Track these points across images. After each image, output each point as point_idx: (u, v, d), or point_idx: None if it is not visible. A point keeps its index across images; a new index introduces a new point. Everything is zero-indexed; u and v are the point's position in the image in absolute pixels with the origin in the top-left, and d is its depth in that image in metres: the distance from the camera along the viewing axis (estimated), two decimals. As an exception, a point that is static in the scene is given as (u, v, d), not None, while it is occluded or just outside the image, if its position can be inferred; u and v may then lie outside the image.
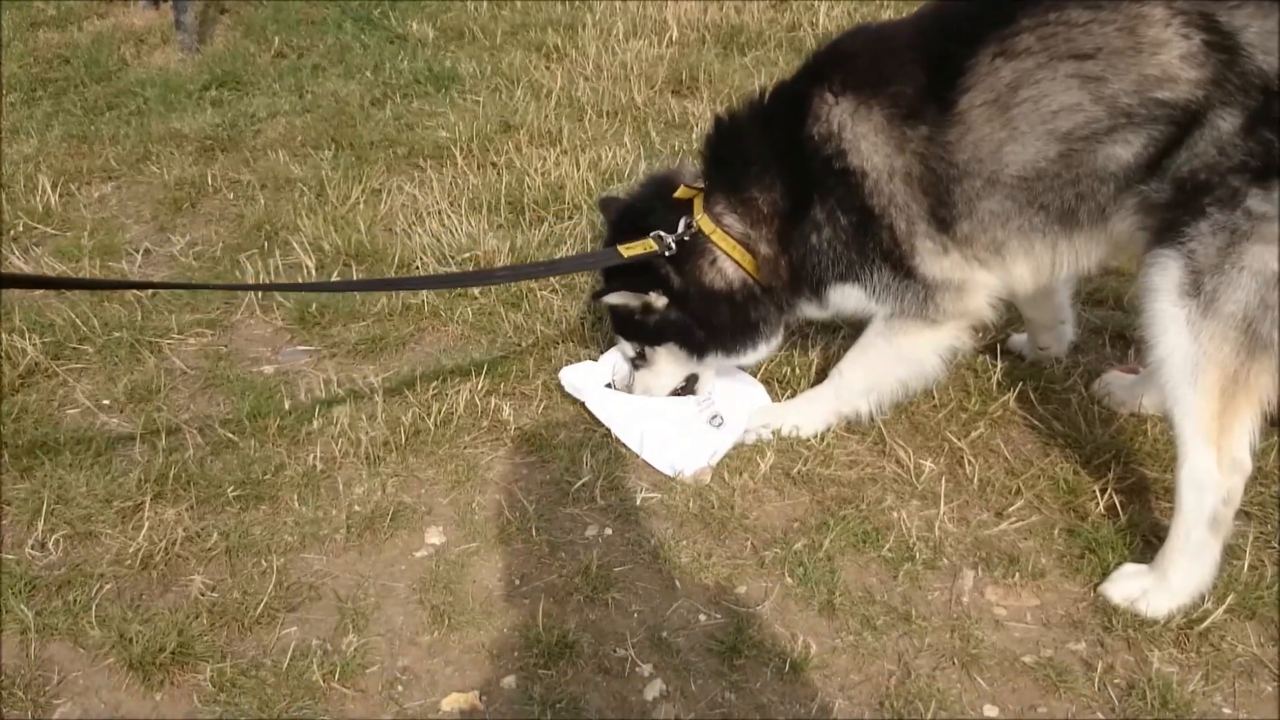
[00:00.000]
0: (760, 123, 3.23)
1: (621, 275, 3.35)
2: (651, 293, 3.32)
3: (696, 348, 3.39)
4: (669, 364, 3.47)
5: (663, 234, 3.26)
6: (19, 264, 4.36)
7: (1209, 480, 2.68)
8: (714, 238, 3.25)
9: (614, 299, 3.37)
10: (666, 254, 3.25)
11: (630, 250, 3.26)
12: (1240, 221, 2.56)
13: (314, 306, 4.02)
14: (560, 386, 3.55)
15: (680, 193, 3.33)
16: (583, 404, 3.48)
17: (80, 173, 5.16)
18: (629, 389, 3.53)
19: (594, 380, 3.53)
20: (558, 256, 4.25)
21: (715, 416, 3.39)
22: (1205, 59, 2.59)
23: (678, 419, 3.40)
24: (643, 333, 3.44)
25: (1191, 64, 2.60)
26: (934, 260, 3.04)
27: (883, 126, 2.96)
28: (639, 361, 3.50)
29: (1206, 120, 2.61)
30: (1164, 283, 2.66)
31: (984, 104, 2.82)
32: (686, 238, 3.25)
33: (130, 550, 2.98)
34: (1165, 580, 2.74)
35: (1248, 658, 2.65)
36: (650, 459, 3.29)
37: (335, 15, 7.02)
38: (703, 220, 3.25)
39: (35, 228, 4.69)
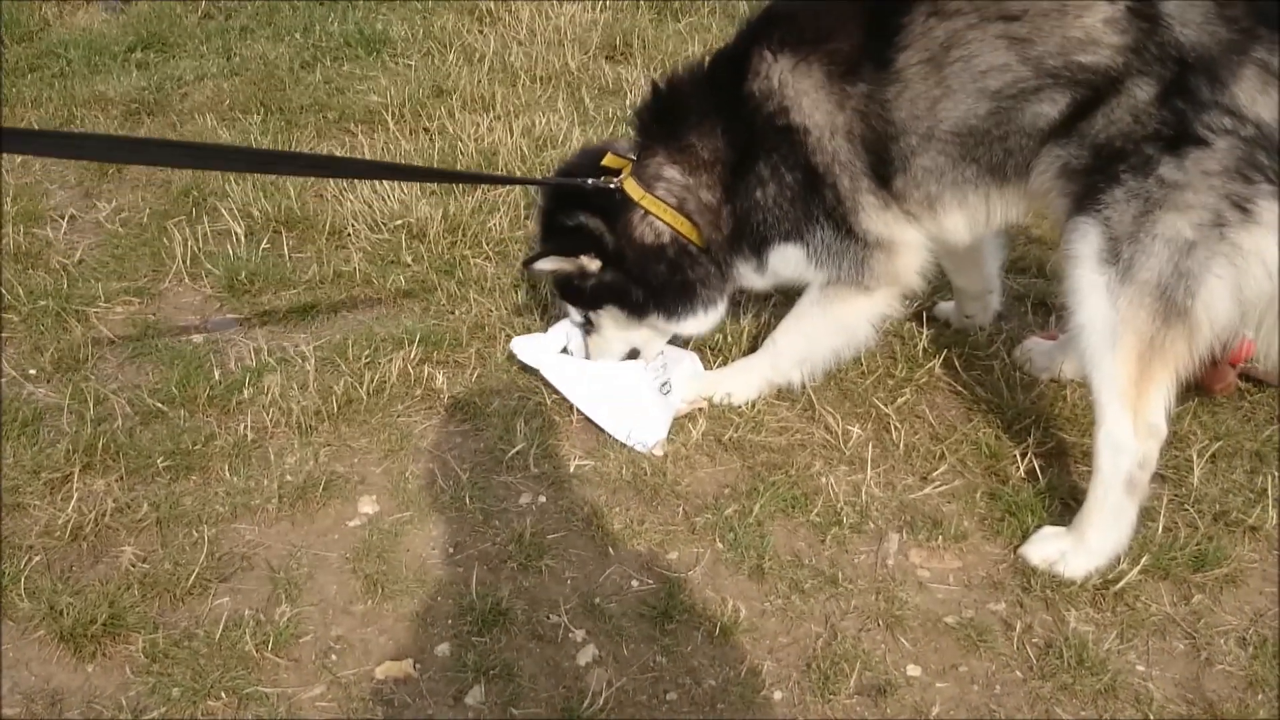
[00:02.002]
0: (700, 82, 3.25)
1: (553, 239, 3.37)
2: (583, 256, 3.33)
3: (635, 308, 3.39)
4: (613, 329, 3.47)
5: (588, 180, 3.30)
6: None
7: (1126, 444, 2.75)
8: (643, 202, 3.25)
9: (544, 265, 3.37)
10: (588, 185, 3.29)
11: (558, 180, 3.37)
12: (1154, 189, 2.63)
13: (243, 274, 3.99)
14: (510, 355, 3.54)
15: (607, 160, 3.34)
16: (538, 373, 3.46)
17: (1, 136, 5.05)
18: (586, 355, 3.52)
19: (548, 348, 3.51)
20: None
21: (665, 384, 3.41)
22: (1128, 25, 2.65)
23: (633, 386, 3.38)
24: (581, 297, 3.44)
25: (1114, 29, 2.66)
26: (876, 216, 3.08)
27: (822, 83, 2.99)
28: (588, 328, 3.51)
29: (1124, 88, 2.67)
30: (1084, 250, 2.73)
31: (919, 62, 2.87)
32: (611, 185, 3.27)
33: (59, 522, 2.96)
34: (1083, 542, 2.82)
35: (1161, 617, 2.74)
36: (609, 428, 3.30)
37: (263, -25, 6.92)
38: (629, 184, 3.26)
39: (-45, 193, 4.60)
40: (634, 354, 3.51)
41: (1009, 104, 2.81)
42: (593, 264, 3.34)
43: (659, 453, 3.25)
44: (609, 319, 3.46)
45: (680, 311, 3.39)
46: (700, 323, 3.44)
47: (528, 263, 3.41)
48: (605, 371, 3.44)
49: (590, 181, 3.30)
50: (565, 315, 3.58)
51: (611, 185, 3.28)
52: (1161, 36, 2.62)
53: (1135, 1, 2.65)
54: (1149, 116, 2.64)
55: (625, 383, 3.39)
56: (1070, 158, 2.78)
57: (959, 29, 2.81)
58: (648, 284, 3.35)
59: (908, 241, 3.13)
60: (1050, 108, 2.78)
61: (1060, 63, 2.73)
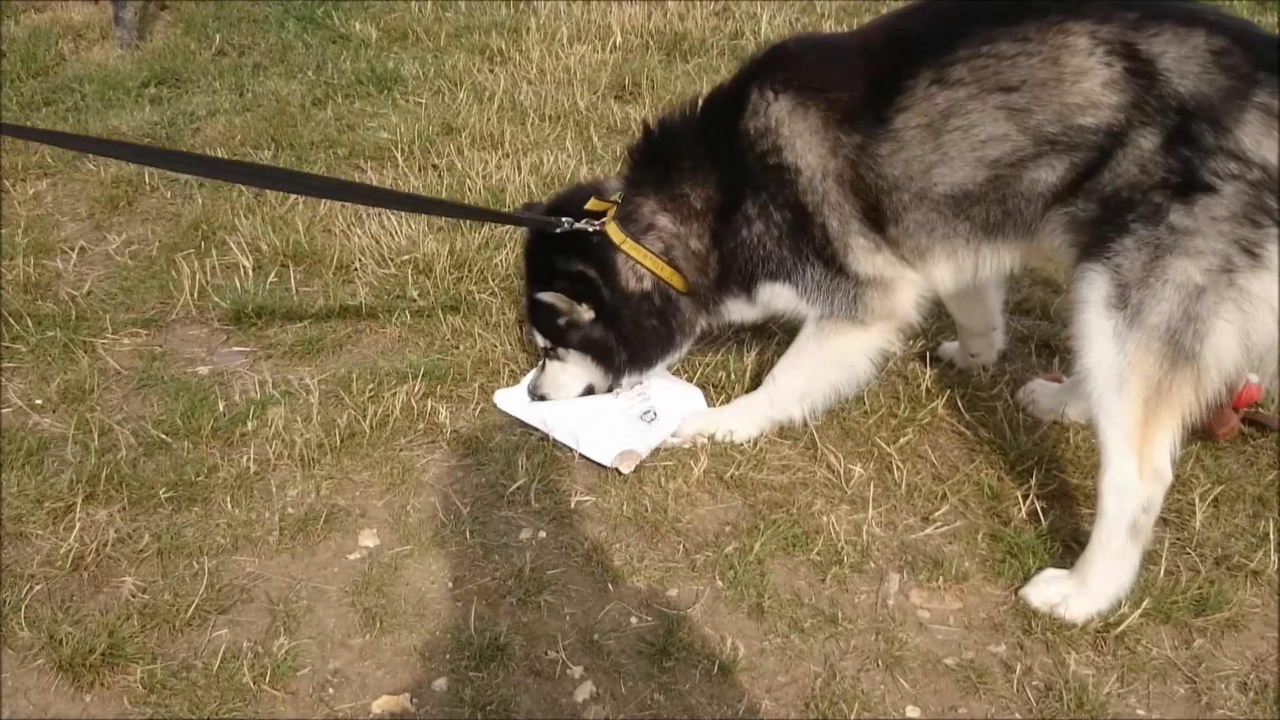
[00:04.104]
0: (694, 121, 3.29)
1: (559, 278, 3.38)
2: (583, 304, 3.37)
3: (615, 369, 3.48)
4: (580, 368, 3.51)
5: (567, 219, 3.34)
6: (-50, 261, 4.32)
7: (1130, 487, 2.75)
8: (624, 247, 3.31)
9: (547, 297, 3.38)
10: (557, 230, 3.32)
11: (535, 219, 3.42)
12: (1164, 236, 2.66)
13: (250, 308, 4.01)
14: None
15: (590, 204, 3.38)
16: (520, 420, 3.50)
17: (15, 169, 5.09)
18: (534, 386, 3.54)
19: (525, 394, 3.57)
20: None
21: (648, 412, 3.43)
22: (1126, 85, 2.71)
23: (611, 416, 3.43)
24: (560, 335, 3.47)
25: (1113, 90, 2.72)
26: (866, 257, 3.11)
27: (818, 128, 3.03)
28: (551, 354, 3.52)
29: (1128, 141, 2.71)
30: (1092, 295, 2.75)
31: (918, 126, 2.92)
32: (590, 228, 3.32)
33: (61, 551, 2.97)
34: (1085, 585, 2.82)
35: (1161, 660, 2.73)
36: (587, 452, 3.32)
37: (277, 14, 6.96)
38: (611, 229, 3.32)
39: (-33, 224, 4.64)
40: (589, 391, 3.55)
41: (1007, 171, 2.87)
42: (587, 314, 3.40)
43: (627, 468, 3.25)
44: (579, 359, 3.50)
45: (654, 359, 3.48)
46: (668, 360, 3.52)
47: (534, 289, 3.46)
48: (581, 405, 3.49)
49: (567, 221, 3.34)
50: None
51: (591, 229, 3.33)
52: (1160, 90, 2.67)
53: (1132, 61, 2.70)
54: (1155, 165, 2.68)
55: (601, 413, 3.45)
56: (1078, 211, 2.82)
57: (960, 99, 2.86)
58: (633, 338, 3.43)
59: (902, 277, 3.16)
60: (1049, 173, 2.83)
61: (1059, 129, 2.79)
